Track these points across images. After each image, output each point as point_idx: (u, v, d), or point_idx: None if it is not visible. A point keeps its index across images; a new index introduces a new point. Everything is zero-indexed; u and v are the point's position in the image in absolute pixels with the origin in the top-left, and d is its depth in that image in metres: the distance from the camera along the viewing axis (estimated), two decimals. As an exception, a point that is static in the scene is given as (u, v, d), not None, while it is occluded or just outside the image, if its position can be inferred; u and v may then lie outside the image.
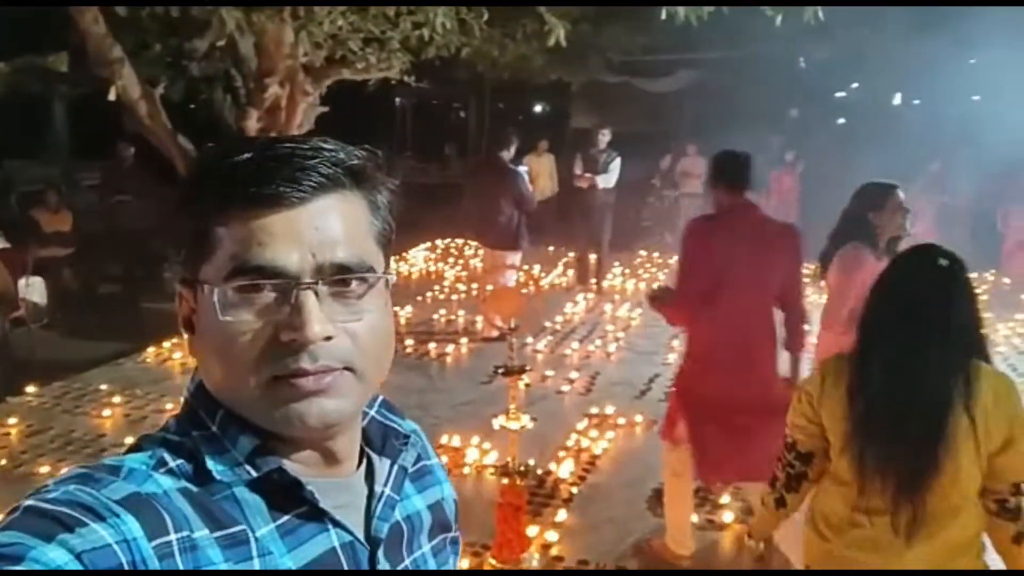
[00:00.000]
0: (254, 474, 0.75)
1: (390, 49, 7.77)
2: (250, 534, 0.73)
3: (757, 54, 14.60)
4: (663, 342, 6.94)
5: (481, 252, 10.16)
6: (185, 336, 0.81)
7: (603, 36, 11.09)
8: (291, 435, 0.77)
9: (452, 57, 8.37)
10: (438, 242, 11.70)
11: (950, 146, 11.25)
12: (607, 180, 8.50)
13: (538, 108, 22.68)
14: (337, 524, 0.78)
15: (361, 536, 0.81)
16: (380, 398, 0.92)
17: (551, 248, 10.63)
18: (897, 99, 14.87)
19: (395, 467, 0.87)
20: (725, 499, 4.13)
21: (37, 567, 0.61)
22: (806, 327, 3.55)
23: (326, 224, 0.75)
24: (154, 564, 0.66)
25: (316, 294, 0.73)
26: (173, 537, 0.69)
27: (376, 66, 7.75)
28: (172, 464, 0.75)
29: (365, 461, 0.87)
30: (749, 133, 14.54)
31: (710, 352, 3.39)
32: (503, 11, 8.02)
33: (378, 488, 0.85)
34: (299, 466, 0.78)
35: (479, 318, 7.44)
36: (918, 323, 1.95)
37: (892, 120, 13.38)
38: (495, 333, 6.95)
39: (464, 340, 6.94)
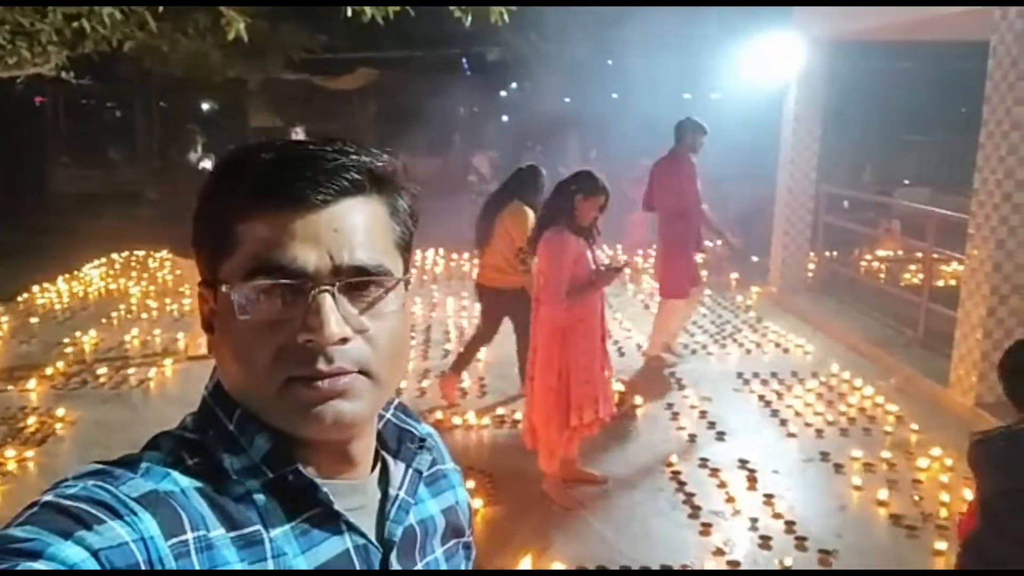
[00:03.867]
0: (270, 475, 0.75)
1: (43, 43, 6.85)
2: (264, 535, 0.73)
3: (434, 54, 15.09)
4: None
5: (168, 264, 9.51)
6: (205, 336, 0.80)
7: (283, 33, 10.75)
8: (306, 436, 0.76)
9: (114, 52, 7.61)
10: (115, 256, 10.57)
11: (599, 139, 12.57)
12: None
13: (206, 106, 21.41)
14: (351, 527, 0.78)
15: (374, 539, 0.80)
16: (396, 401, 0.91)
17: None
18: (553, 98, 16.21)
19: (410, 471, 0.87)
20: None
21: (55, 564, 0.60)
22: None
23: (346, 227, 0.75)
24: (170, 563, 0.66)
25: (333, 296, 0.73)
26: (189, 536, 0.68)
27: (30, 61, 6.78)
28: (189, 462, 0.74)
29: (380, 464, 0.86)
30: (427, 130, 15.02)
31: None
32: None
33: (392, 491, 0.85)
34: (315, 468, 0.78)
35: (181, 335, 6.88)
36: None
37: (551, 117, 14.57)
38: (203, 350, 6.48)
39: (168, 362, 6.36)
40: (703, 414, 5.38)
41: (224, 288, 0.74)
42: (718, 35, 11.64)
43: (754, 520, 4.04)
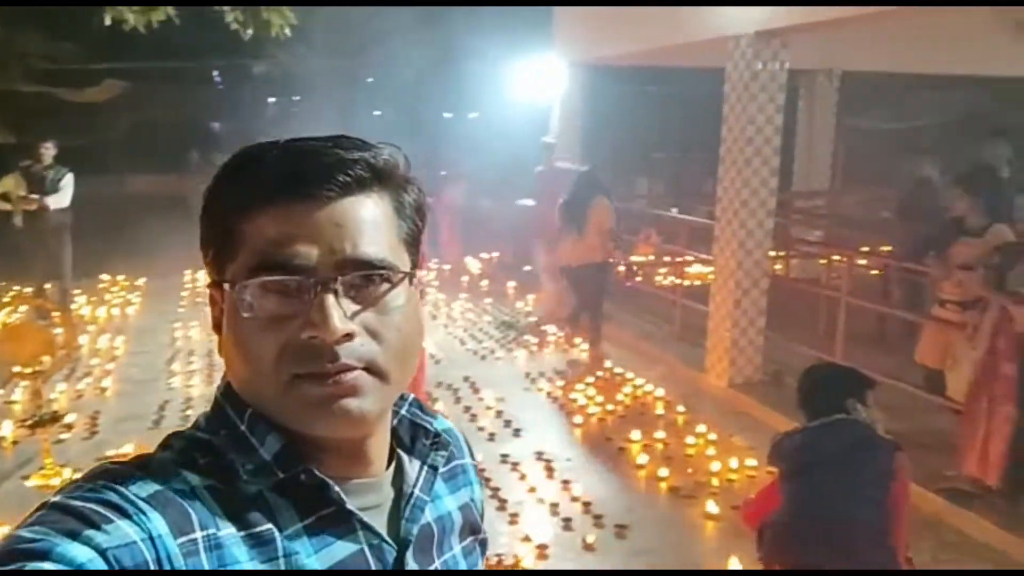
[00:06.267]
0: (281, 475, 0.74)
1: None
2: (276, 534, 0.72)
3: (191, 65, 14.43)
4: (160, 367, 6.61)
5: None
6: (215, 337, 0.80)
7: (22, 41, 9.81)
8: (316, 434, 0.75)
9: None
10: None
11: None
12: (59, 200, 7.63)
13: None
14: (365, 526, 0.77)
15: (388, 538, 0.79)
16: (411, 397, 0.90)
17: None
18: (316, 113, 16.12)
19: (425, 468, 0.86)
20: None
21: (62, 564, 0.60)
22: None
23: (348, 222, 0.74)
24: (179, 562, 0.66)
25: (336, 292, 0.72)
26: (199, 535, 0.68)
27: None
28: (200, 462, 0.74)
29: (395, 461, 0.85)
30: (185, 145, 14.32)
31: None
32: None
33: (407, 489, 0.84)
34: (327, 467, 0.76)
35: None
36: None
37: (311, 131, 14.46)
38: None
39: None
40: (499, 413, 5.68)
41: (228, 287, 0.74)
42: (480, 57, 12.18)
43: (555, 505, 4.37)
